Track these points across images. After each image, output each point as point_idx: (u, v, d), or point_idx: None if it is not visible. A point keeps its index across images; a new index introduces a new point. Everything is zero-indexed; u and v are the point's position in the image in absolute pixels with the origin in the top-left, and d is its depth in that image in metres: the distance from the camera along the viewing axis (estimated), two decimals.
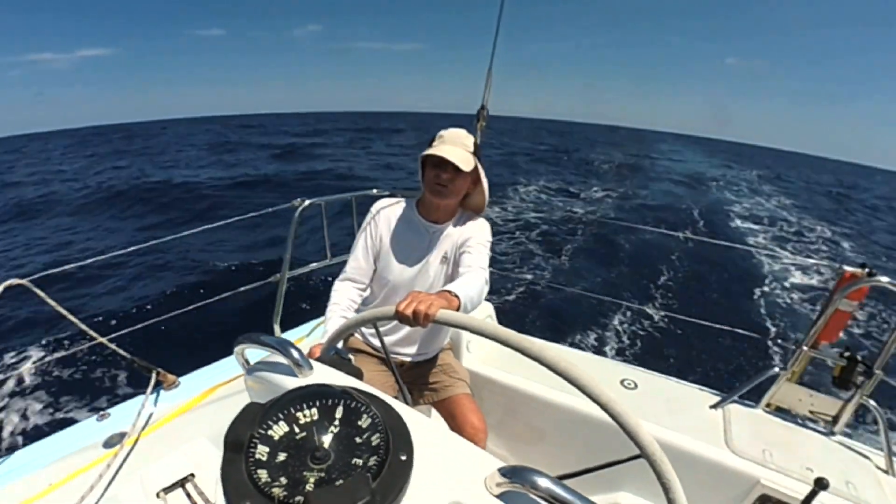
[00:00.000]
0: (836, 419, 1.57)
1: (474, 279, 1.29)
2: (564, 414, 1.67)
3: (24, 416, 4.01)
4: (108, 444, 1.48)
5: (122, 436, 1.48)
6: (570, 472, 0.87)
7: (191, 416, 1.64)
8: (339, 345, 1.12)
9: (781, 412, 1.68)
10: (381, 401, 0.72)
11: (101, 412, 1.63)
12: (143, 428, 1.53)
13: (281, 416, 0.62)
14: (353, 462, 0.58)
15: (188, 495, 1.19)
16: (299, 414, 0.63)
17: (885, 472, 1.46)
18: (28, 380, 4.38)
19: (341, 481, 0.55)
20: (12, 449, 1.51)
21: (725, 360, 5.07)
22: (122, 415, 1.60)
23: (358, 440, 0.61)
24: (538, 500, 0.59)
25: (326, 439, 0.60)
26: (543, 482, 0.58)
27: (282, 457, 0.58)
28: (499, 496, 0.61)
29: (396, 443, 0.62)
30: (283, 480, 0.55)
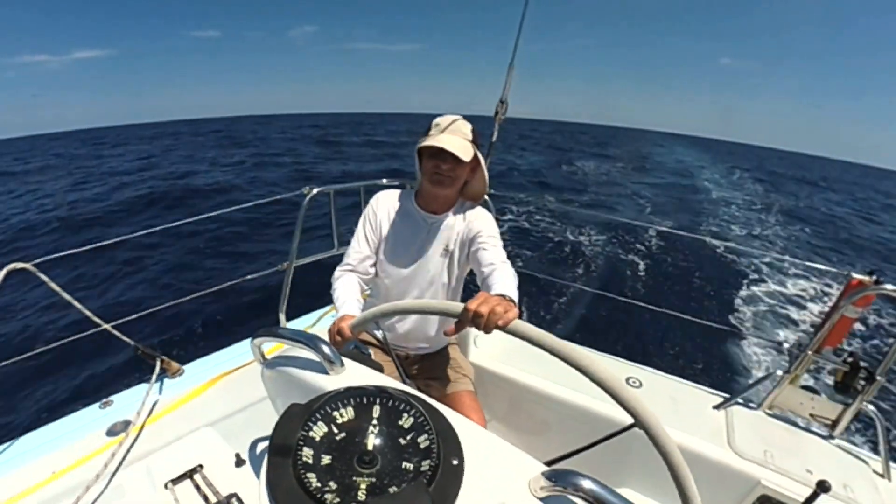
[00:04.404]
0: (835, 423, 1.59)
1: (511, 277, 1.22)
2: (567, 408, 1.69)
3: (26, 402, 3.98)
4: (112, 431, 1.46)
5: (125, 424, 1.47)
6: (567, 452, 0.86)
7: (195, 404, 1.63)
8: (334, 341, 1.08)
9: (782, 414, 1.69)
10: (425, 401, 0.71)
11: (104, 399, 1.61)
12: (148, 416, 1.51)
13: (319, 416, 0.62)
14: (402, 466, 0.57)
15: (197, 487, 1.17)
16: (336, 413, 0.63)
17: (882, 476, 1.49)
18: (31, 365, 4.35)
19: (395, 488, 0.54)
20: (14, 435, 1.48)
21: (728, 360, 5.12)
22: (126, 402, 1.58)
23: (402, 441, 0.60)
24: (581, 502, 0.59)
25: (370, 441, 0.60)
26: (587, 484, 0.58)
27: (326, 459, 0.57)
28: (543, 499, 0.61)
29: (448, 448, 0.61)
30: (333, 485, 0.54)
